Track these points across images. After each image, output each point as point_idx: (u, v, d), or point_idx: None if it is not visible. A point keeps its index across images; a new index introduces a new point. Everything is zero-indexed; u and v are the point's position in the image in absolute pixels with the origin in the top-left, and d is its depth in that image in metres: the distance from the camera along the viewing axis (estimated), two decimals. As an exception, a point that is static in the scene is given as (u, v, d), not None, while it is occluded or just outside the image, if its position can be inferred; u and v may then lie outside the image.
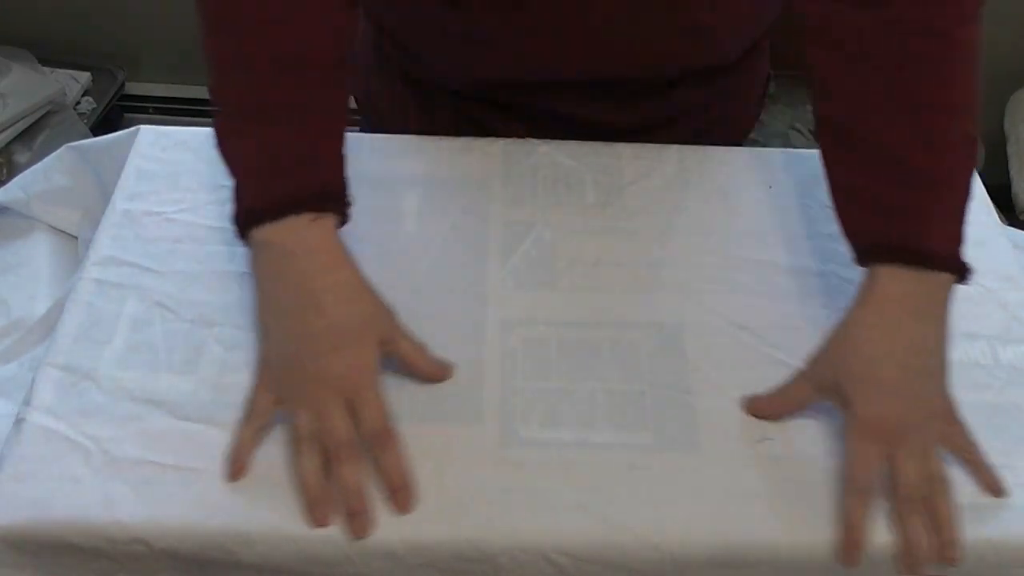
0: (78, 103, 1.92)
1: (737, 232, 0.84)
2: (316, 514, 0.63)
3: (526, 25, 0.83)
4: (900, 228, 0.69)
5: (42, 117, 1.80)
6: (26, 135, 1.77)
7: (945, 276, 0.68)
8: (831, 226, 0.84)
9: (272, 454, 0.66)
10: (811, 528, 0.64)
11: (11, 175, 1.66)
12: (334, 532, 0.63)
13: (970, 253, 0.82)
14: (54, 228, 0.88)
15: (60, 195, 0.88)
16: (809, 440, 0.69)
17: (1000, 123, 1.87)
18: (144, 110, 2.08)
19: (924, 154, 0.69)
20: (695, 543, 0.63)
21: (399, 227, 0.82)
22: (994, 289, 0.80)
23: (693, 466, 0.67)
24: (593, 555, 0.63)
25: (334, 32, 0.71)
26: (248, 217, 0.68)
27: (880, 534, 0.64)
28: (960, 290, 0.79)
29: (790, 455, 0.68)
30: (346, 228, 0.80)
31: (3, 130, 1.73)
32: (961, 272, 0.68)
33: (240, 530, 0.62)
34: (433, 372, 0.71)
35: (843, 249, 0.82)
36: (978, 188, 0.89)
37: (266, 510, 0.63)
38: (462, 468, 0.66)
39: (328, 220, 0.69)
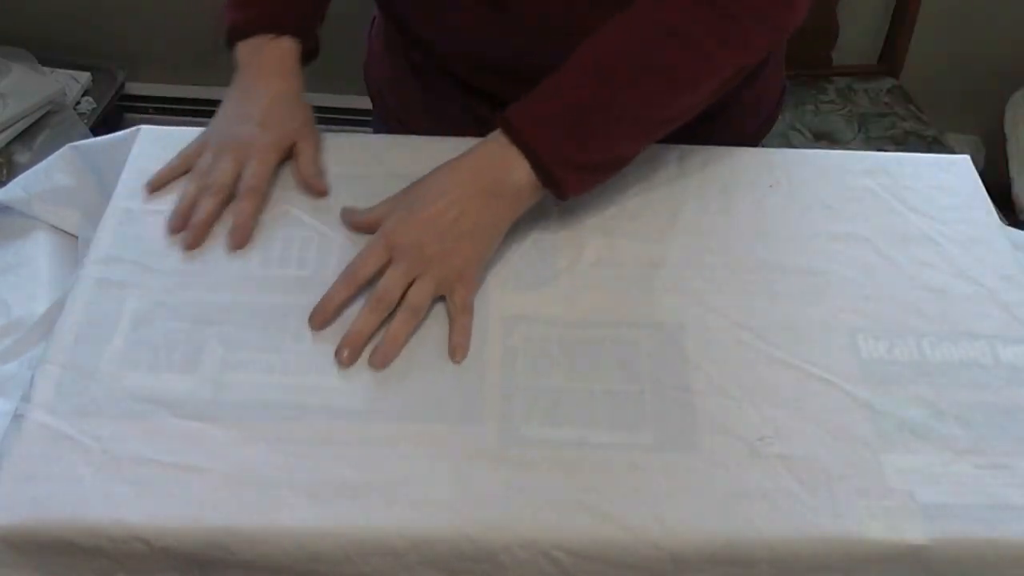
0: (78, 103, 1.92)
1: (737, 232, 0.84)
2: (174, 223, 0.80)
3: (527, 23, 0.83)
4: (519, 106, 0.76)
5: (42, 117, 1.80)
6: (26, 135, 1.77)
7: (530, 173, 0.76)
8: (831, 226, 0.84)
9: (273, 455, 0.66)
10: (810, 527, 0.64)
11: (11, 175, 1.66)
12: (334, 530, 0.63)
13: (970, 253, 0.83)
14: (54, 228, 0.88)
15: (61, 195, 0.88)
16: (808, 439, 0.69)
17: (1000, 123, 1.87)
18: (144, 110, 2.08)
19: (579, 72, 0.76)
20: (695, 541, 0.63)
21: (399, 227, 0.82)
22: (994, 289, 0.80)
23: (693, 465, 0.67)
24: (593, 553, 0.63)
25: None
26: (229, 36, 0.88)
27: (892, 536, 0.64)
28: (960, 289, 0.80)
29: (789, 454, 0.68)
30: (345, 230, 0.81)
31: (3, 130, 1.73)
32: (550, 182, 0.76)
33: (240, 528, 0.62)
34: (312, 184, 0.84)
35: (844, 249, 0.83)
36: (978, 188, 0.90)
37: (267, 508, 0.63)
38: (462, 467, 0.66)
39: (285, 42, 0.88)
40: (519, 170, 0.76)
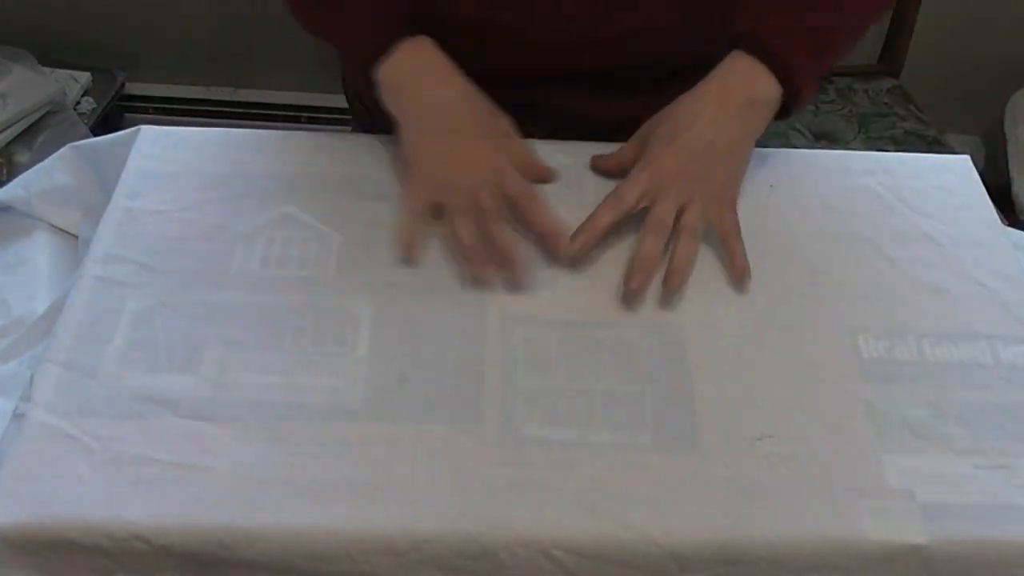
0: (78, 103, 1.92)
1: (737, 232, 0.83)
2: (474, 268, 0.76)
3: (522, 15, 0.83)
4: (752, 20, 0.80)
5: (42, 117, 1.79)
6: (26, 135, 1.77)
7: (775, 86, 0.78)
8: (832, 226, 0.85)
9: (273, 454, 0.66)
10: (810, 526, 0.64)
11: (11, 175, 1.66)
12: (334, 529, 0.63)
13: (970, 253, 0.83)
14: (54, 227, 0.88)
15: (62, 194, 0.88)
16: (808, 439, 0.69)
17: (1000, 123, 1.87)
18: (144, 110, 2.08)
19: None
20: (695, 540, 0.63)
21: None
22: (994, 289, 0.80)
23: (693, 465, 0.67)
24: (593, 552, 0.63)
25: None
26: (368, 59, 0.80)
27: (895, 537, 0.64)
28: (960, 289, 0.80)
29: (789, 454, 0.68)
30: (346, 229, 0.81)
31: (3, 130, 1.73)
32: (791, 92, 0.78)
33: (241, 527, 0.62)
34: (538, 172, 0.83)
35: (844, 248, 0.83)
36: (978, 188, 0.90)
37: (267, 507, 0.63)
38: (463, 466, 0.66)
39: (426, 40, 0.81)
40: (765, 84, 0.78)
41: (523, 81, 0.90)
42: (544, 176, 0.84)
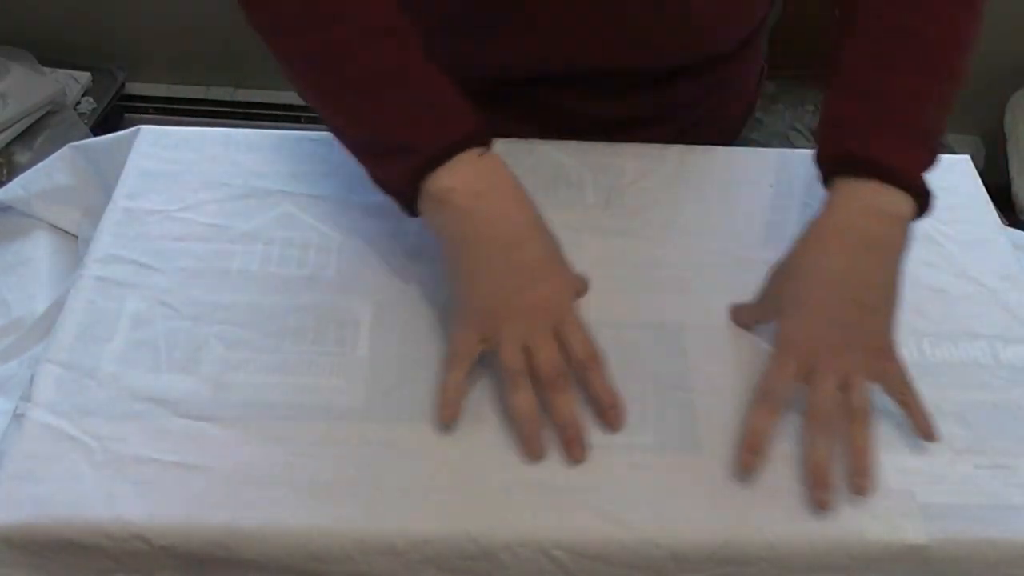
0: (78, 103, 1.92)
1: (737, 232, 0.84)
2: (533, 447, 0.65)
3: (521, 18, 0.83)
4: (851, 139, 0.70)
5: (42, 117, 1.80)
6: (26, 135, 1.77)
7: (901, 196, 0.68)
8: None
9: (273, 454, 0.66)
10: (810, 526, 0.64)
11: (11, 175, 1.66)
12: (334, 529, 0.63)
13: (970, 253, 0.83)
14: (54, 227, 0.88)
15: (62, 194, 0.88)
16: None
17: (1000, 123, 1.87)
18: (144, 110, 2.08)
19: (877, 72, 0.71)
20: (695, 540, 0.63)
21: (399, 226, 0.82)
22: (994, 289, 0.80)
23: (693, 464, 0.67)
24: (593, 551, 0.63)
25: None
26: (416, 172, 0.67)
27: (897, 532, 0.64)
28: (960, 289, 0.80)
29: (789, 453, 0.68)
30: (346, 229, 0.81)
31: (3, 130, 1.73)
32: (920, 194, 0.68)
33: (241, 527, 0.62)
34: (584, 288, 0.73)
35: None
36: (978, 188, 0.90)
37: (267, 507, 0.63)
38: (463, 466, 0.66)
39: (494, 155, 0.70)
40: (891, 202, 0.68)
41: (521, 82, 0.90)
42: (584, 290, 0.74)
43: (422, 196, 0.68)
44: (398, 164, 0.69)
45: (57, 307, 0.77)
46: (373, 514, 0.63)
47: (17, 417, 0.67)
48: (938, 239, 0.84)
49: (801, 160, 0.92)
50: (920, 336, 0.76)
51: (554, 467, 0.66)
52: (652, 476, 0.66)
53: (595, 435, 0.68)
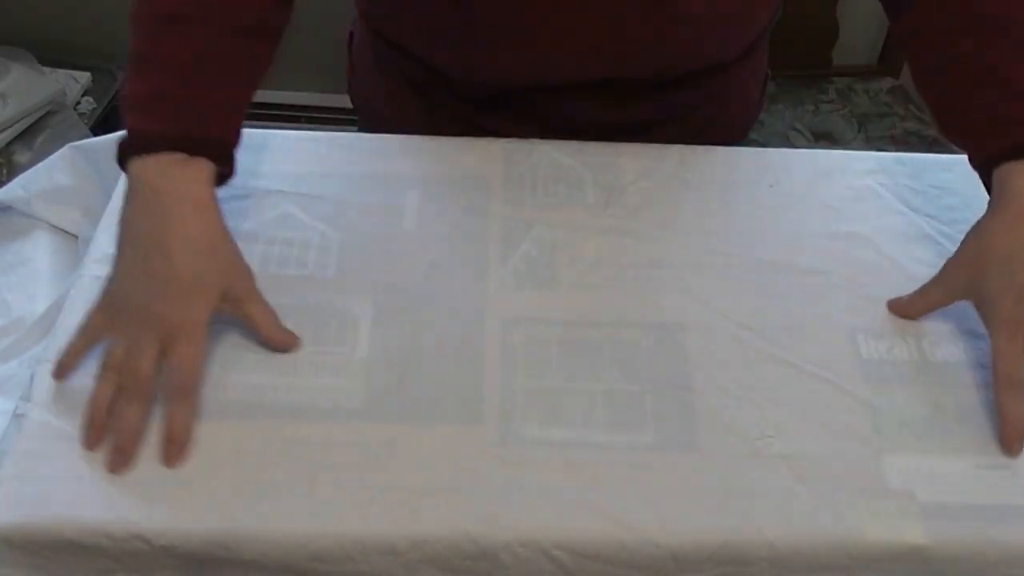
0: (78, 103, 1.92)
1: (737, 232, 0.84)
2: (89, 437, 0.65)
3: (525, 26, 0.83)
4: (1018, 133, 0.74)
5: (42, 117, 1.80)
6: (26, 135, 1.77)
7: None
8: (832, 225, 0.85)
9: (273, 454, 0.66)
10: (810, 526, 0.64)
11: (11, 175, 1.66)
12: (335, 529, 0.63)
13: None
14: (54, 227, 0.88)
15: (62, 194, 0.88)
16: (809, 439, 0.69)
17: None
18: (144, 110, 2.08)
19: (1016, 64, 0.75)
20: (695, 540, 0.63)
21: (399, 226, 0.82)
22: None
23: (693, 464, 0.67)
24: (593, 551, 0.63)
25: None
26: (124, 147, 0.71)
27: (896, 536, 0.64)
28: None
29: (789, 453, 0.68)
30: (346, 229, 0.81)
31: (3, 130, 1.73)
32: None
33: (241, 527, 0.62)
34: (279, 340, 0.72)
35: (844, 248, 0.83)
36: (978, 188, 0.89)
37: (266, 507, 0.63)
38: (462, 466, 0.66)
39: (201, 165, 0.70)
40: None
41: (527, 89, 0.90)
42: (281, 343, 0.72)
43: (125, 169, 0.71)
44: (126, 127, 0.72)
45: (57, 307, 0.76)
46: (373, 515, 0.63)
47: (17, 417, 0.67)
48: (938, 239, 0.84)
49: (801, 160, 0.92)
50: (920, 336, 0.76)
51: (554, 468, 0.66)
52: (652, 476, 0.66)
53: (595, 435, 0.68)
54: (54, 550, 0.63)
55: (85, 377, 0.69)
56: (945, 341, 0.76)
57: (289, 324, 0.74)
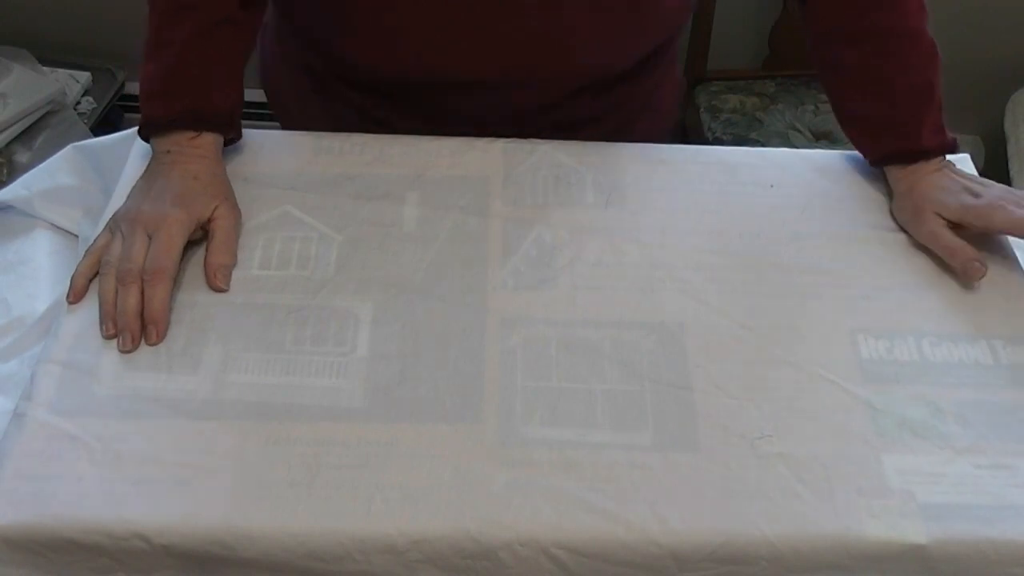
0: (78, 103, 1.92)
1: (737, 232, 0.84)
2: (106, 328, 0.72)
3: (440, 20, 0.83)
4: (900, 141, 0.88)
5: (42, 117, 1.79)
6: (26, 135, 1.77)
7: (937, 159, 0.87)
8: (832, 225, 0.85)
9: (273, 454, 0.66)
10: (810, 526, 0.64)
11: (11, 175, 1.66)
12: (335, 528, 0.63)
13: (970, 253, 0.83)
14: (55, 227, 0.88)
15: (64, 194, 0.88)
16: (808, 438, 0.69)
17: (1000, 123, 1.87)
18: (144, 110, 2.08)
19: (903, 76, 0.88)
20: (695, 539, 0.63)
21: (399, 227, 0.82)
22: (994, 289, 0.80)
23: (693, 464, 0.67)
24: (593, 550, 0.63)
25: None
26: (142, 131, 0.83)
27: (894, 536, 0.64)
28: (960, 290, 0.80)
29: (789, 453, 0.68)
30: (346, 229, 0.81)
31: (3, 130, 1.73)
32: (948, 149, 0.88)
33: (241, 526, 0.63)
34: (214, 264, 0.78)
35: (845, 248, 0.83)
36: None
37: (267, 507, 0.63)
38: (462, 466, 0.66)
39: (209, 139, 0.82)
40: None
41: (438, 87, 0.90)
42: (215, 282, 0.77)
43: (150, 144, 0.83)
44: (142, 109, 0.84)
45: (57, 307, 0.77)
46: (373, 514, 0.63)
47: (17, 416, 0.67)
48: (938, 239, 0.84)
49: (801, 160, 0.92)
50: (920, 336, 0.76)
51: (554, 467, 0.66)
52: (652, 475, 0.66)
53: (595, 435, 0.68)
54: (54, 550, 0.63)
55: (86, 378, 0.69)
56: (945, 341, 0.76)
57: (289, 324, 0.74)
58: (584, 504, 0.64)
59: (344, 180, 0.86)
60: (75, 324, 0.73)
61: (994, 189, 0.85)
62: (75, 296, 0.75)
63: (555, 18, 0.83)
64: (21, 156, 1.74)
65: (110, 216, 0.79)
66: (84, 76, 1.95)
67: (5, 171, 1.71)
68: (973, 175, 0.88)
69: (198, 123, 0.82)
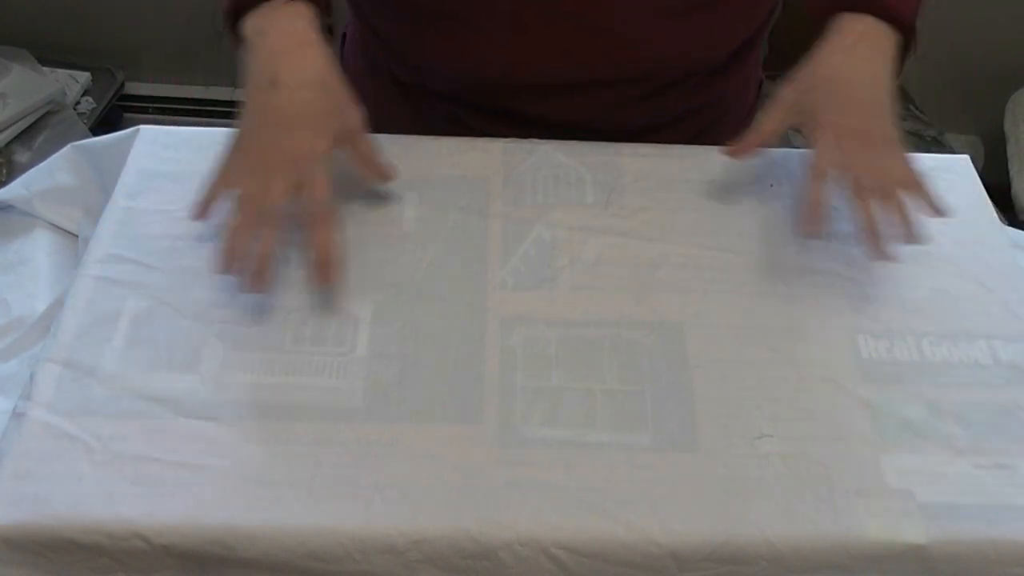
0: (78, 103, 1.92)
1: (737, 232, 0.84)
2: (224, 260, 0.71)
3: (514, 26, 0.83)
4: None
5: (42, 117, 1.80)
6: (26, 135, 1.77)
7: (892, 30, 0.81)
8: (831, 226, 0.84)
9: (273, 453, 0.66)
10: (810, 526, 0.64)
11: (11, 175, 1.67)
12: (335, 528, 0.63)
13: (970, 253, 0.83)
14: (55, 226, 0.88)
15: (63, 194, 0.89)
16: (808, 438, 0.69)
17: (1000, 123, 1.87)
18: (144, 110, 2.08)
19: None
20: (695, 539, 0.63)
21: (399, 226, 0.82)
22: (994, 289, 0.80)
23: (693, 464, 0.67)
24: (594, 550, 0.63)
25: None
26: (231, 11, 0.77)
27: (893, 536, 0.64)
28: (960, 289, 0.80)
29: (789, 453, 0.68)
30: (346, 229, 0.81)
31: (3, 130, 1.73)
32: (907, 30, 0.81)
33: (241, 526, 0.63)
34: (381, 171, 0.79)
35: (844, 248, 0.83)
36: (978, 188, 0.90)
37: (267, 506, 0.63)
38: (462, 466, 0.66)
39: (301, 7, 0.76)
40: (888, 37, 0.81)
41: (517, 92, 0.90)
42: (386, 174, 0.81)
43: (237, 35, 0.77)
44: (225, 7, 0.78)
45: (57, 307, 0.77)
46: (373, 514, 0.63)
47: (17, 416, 0.67)
48: (938, 239, 0.84)
49: (801, 160, 0.92)
50: (920, 336, 0.76)
51: (554, 467, 0.66)
52: (652, 475, 0.66)
53: (595, 435, 0.68)
54: (54, 549, 0.63)
55: (86, 377, 0.69)
56: (945, 341, 0.76)
57: (289, 324, 0.74)
58: (584, 504, 0.64)
59: (344, 180, 0.86)
60: (75, 324, 0.73)
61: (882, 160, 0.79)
62: (200, 214, 0.74)
63: (617, 16, 0.83)
64: (21, 156, 1.75)
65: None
66: (84, 76, 1.95)
67: (5, 171, 1.71)
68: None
69: None
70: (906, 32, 0.82)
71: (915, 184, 0.78)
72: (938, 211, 0.78)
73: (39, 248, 0.86)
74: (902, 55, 0.83)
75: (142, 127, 0.90)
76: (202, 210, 0.75)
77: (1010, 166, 1.80)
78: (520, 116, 0.92)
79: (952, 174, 0.91)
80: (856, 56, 0.81)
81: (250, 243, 0.71)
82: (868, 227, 0.76)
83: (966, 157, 0.93)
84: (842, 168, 0.77)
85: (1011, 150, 1.82)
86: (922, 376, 0.73)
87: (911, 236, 0.76)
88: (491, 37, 0.85)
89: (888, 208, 0.76)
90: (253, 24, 0.75)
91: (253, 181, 0.72)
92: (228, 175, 0.74)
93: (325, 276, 0.72)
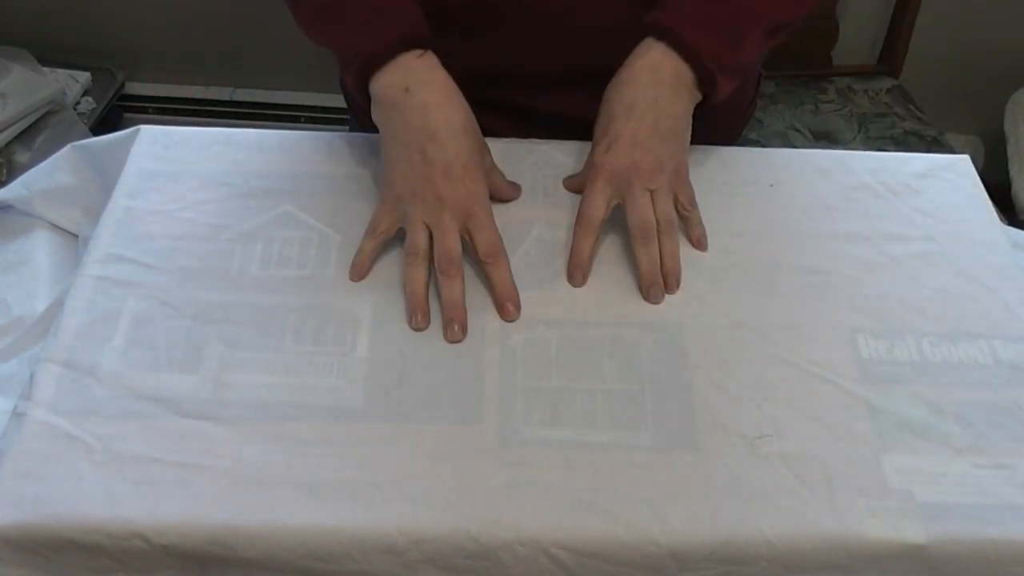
0: (78, 103, 1.92)
1: (737, 232, 0.84)
2: (416, 319, 0.74)
3: (510, 17, 0.83)
4: (664, 15, 0.79)
5: (42, 117, 1.79)
6: (26, 135, 1.77)
7: (686, 68, 0.78)
8: (831, 226, 0.85)
9: (273, 453, 0.66)
10: (810, 526, 0.64)
11: (11, 175, 1.67)
12: (334, 529, 0.63)
13: (970, 253, 0.83)
14: (54, 226, 0.88)
15: (63, 193, 0.89)
16: (808, 438, 0.69)
17: (1000, 123, 1.87)
18: (144, 110, 2.08)
19: None
20: (695, 539, 0.63)
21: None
22: (994, 289, 0.80)
23: (693, 464, 0.67)
24: (594, 550, 0.63)
25: None
26: (363, 70, 0.77)
27: (891, 535, 0.64)
28: (960, 289, 0.80)
29: (789, 453, 0.68)
30: (346, 229, 0.81)
31: (3, 130, 1.73)
32: (703, 71, 0.78)
33: (241, 527, 0.63)
34: (514, 195, 0.84)
35: (844, 248, 0.83)
36: (978, 188, 0.90)
37: (267, 507, 0.63)
38: (462, 466, 0.66)
39: (430, 58, 0.78)
40: (681, 67, 0.78)
41: (510, 84, 0.90)
42: (518, 194, 0.85)
43: (371, 97, 0.78)
44: (352, 70, 0.78)
45: (57, 307, 0.77)
46: (373, 514, 0.63)
47: (17, 416, 0.67)
48: (938, 239, 0.84)
49: (801, 160, 0.92)
50: (920, 336, 0.76)
51: (554, 467, 0.66)
52: (652, 475, 0.66)
53: (595, 435, 0.68)
54: (54, 549, 0.63)
55: (86, 377, 0.69)
56: (945, 341, 0.76)
57: (289, 324, 0.74)
58: (584, 504, 0.64)
59: (344, 180, 0.86)
60: (75, 324, 0.73)
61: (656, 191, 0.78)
62: (359, 274, 0.77)
63: (591, 11, 0.83)
64: (21, 156, 1.74)
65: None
66: (84, 76, 1.95)
67: (5, 171, 1.71)
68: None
69: (418, 41, 0.77)
70: (701, 72, 0.79)
71: (670, 226, 0.78)
72: (699, 243, 0.81)
73: (39, 248, 0.86)
74: (707, 87, 0.80)
75: (142, 127, 0.90)
76: (360, 271, 0.78)
77: (1010, 166, 1.80)
78: (512, 108, 0.92)
79: (952, 174, 0.91)
80: (639, 83, 0.79)
81: (444, 294, 0.74)
82: (644, 275, 0.77)
83: (966, 157, 0.93)
84: (609, 205, 0.79)
85: (1011, 150, 1.82)
86: (922, 376, 0.73)
87: (671, 285, 0.78)
88: (477, 35, 0.85)
89: (651, 255, 0.77)
90: (390, 81, 0.77)
91: (422, 232, 0.75)
92: (383, 229, 0.78)
93: (509, 312, 0.75)
